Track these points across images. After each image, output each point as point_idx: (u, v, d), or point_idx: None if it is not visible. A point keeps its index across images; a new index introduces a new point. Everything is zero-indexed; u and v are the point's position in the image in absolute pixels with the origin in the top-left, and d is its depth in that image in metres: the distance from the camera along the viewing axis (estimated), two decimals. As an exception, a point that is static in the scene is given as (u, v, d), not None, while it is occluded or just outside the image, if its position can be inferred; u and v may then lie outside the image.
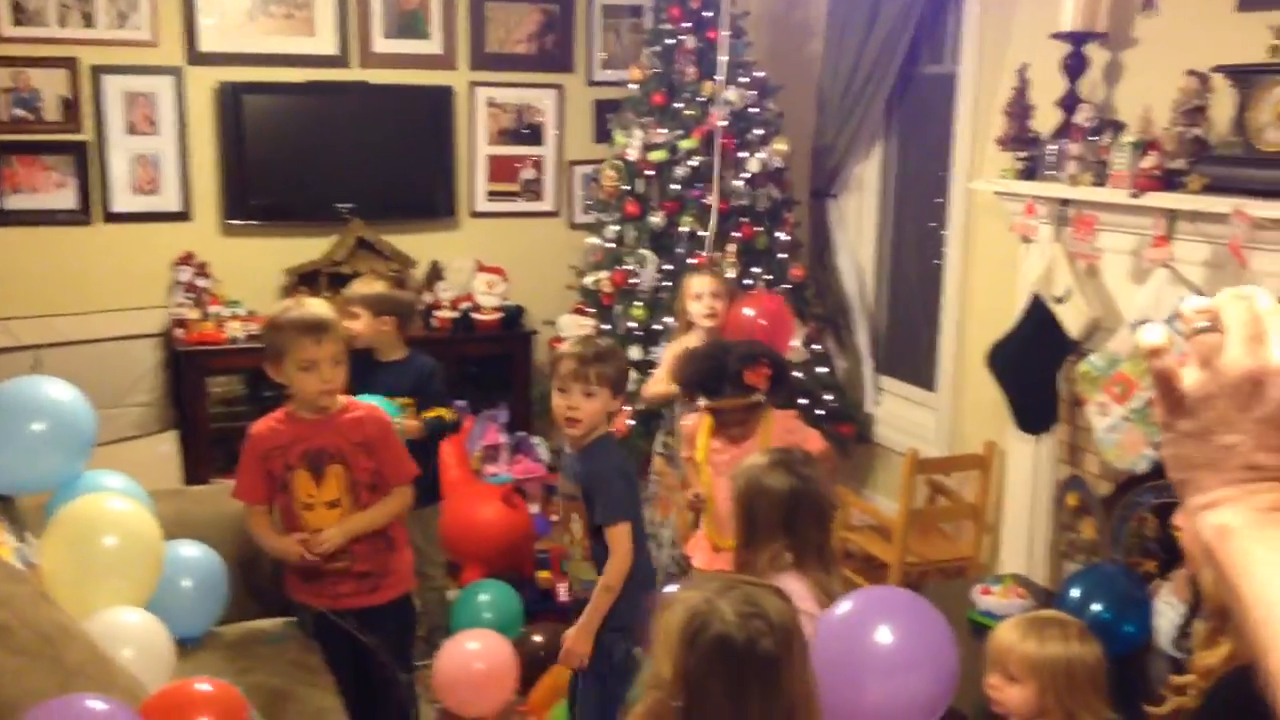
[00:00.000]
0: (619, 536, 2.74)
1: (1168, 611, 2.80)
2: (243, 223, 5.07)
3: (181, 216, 5.03)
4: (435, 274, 5.31)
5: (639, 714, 1.65)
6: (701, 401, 3.23)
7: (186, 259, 4.96)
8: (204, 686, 2.08)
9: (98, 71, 4.81)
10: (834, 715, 1.63)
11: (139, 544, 2.70)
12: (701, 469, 3.19)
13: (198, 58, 4.96)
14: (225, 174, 5.04)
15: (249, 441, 2.83)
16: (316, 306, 2.85)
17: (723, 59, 4.57)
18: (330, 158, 5.14)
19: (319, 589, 2.86)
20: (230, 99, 4.97)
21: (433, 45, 5.31)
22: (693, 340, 3.95)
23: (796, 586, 2.32)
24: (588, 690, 2.82)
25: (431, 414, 3.54)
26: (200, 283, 4.95)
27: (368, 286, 3.78)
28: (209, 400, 4.89)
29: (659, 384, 3.89)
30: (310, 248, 5.11)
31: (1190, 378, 0.82)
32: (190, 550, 2.90)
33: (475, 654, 3.32)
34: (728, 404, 3.15)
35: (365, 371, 3.61)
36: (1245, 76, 2.89)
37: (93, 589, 2.56)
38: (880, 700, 1.73)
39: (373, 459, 2.83)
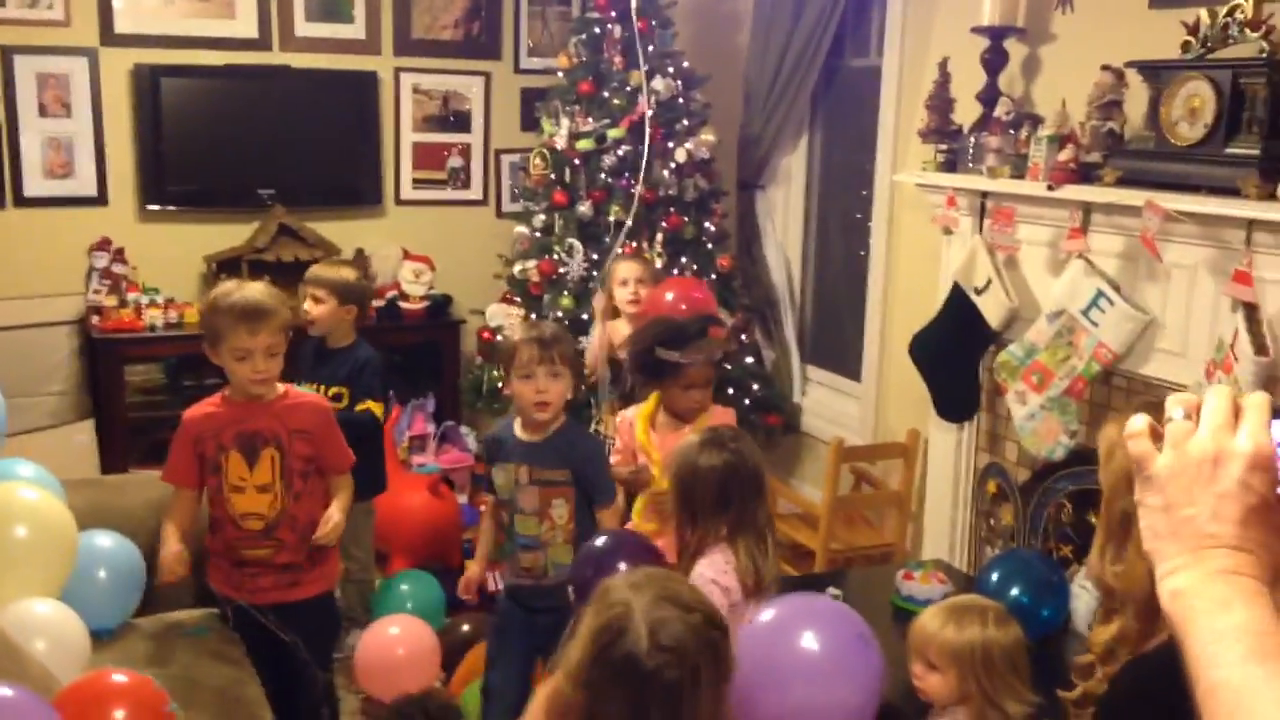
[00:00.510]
0: (615, 514, 2.84)
1: (1084, 595, 2.87)
2: (161, 208, 4.96)
3: (97, 201, 4.90)
4: (361, 262, 5.25)
5: (544, 694, 1.68)
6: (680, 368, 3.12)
7: (103, 245, 4.84)
8: (119, 678, 2.04)
9: (8, 52, 4.67)
10: None
11: (50, 534, 2.64)
12: (651, 452, 3.16)
13: (113, 39, 4.83)
14: (143, 158, 4.92)
15: (182, 425, 2.80)
16: (257, 292, 2.79)
17: (648, 48, 4.56)
18: (252, 143, 5.05)
19: (238, 581, 2.81)
20: (147, 82, 4.86)
21: (356, 30, 5.24)
22: (620, 323, 3.96)
23: (719, 558, 2.37)
24: None
25: (361, 407, 3.50)
26: (117, 269, 4.84)
27: (335, 271, 3.74)
28: (127, 389, 4.79)
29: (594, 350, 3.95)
30: (231, 234, 5.02)
31: (1162, 459, 0.93)
32: (105, 540, 2.84)
33: (396, 639, 3.30)
34: (702, 356, 3.11)
35: (315, 357, 3.57)
36: (1157, 72, 2.96)
37: (3, 580, 2.50)
38: (804, 706, 1.74)
39: (311, 446, 2.81)
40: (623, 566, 2.19)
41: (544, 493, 2.88)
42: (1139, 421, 0.96)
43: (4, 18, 4.66)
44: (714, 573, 2.35)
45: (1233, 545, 0.88)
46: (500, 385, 4.41)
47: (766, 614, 1.91)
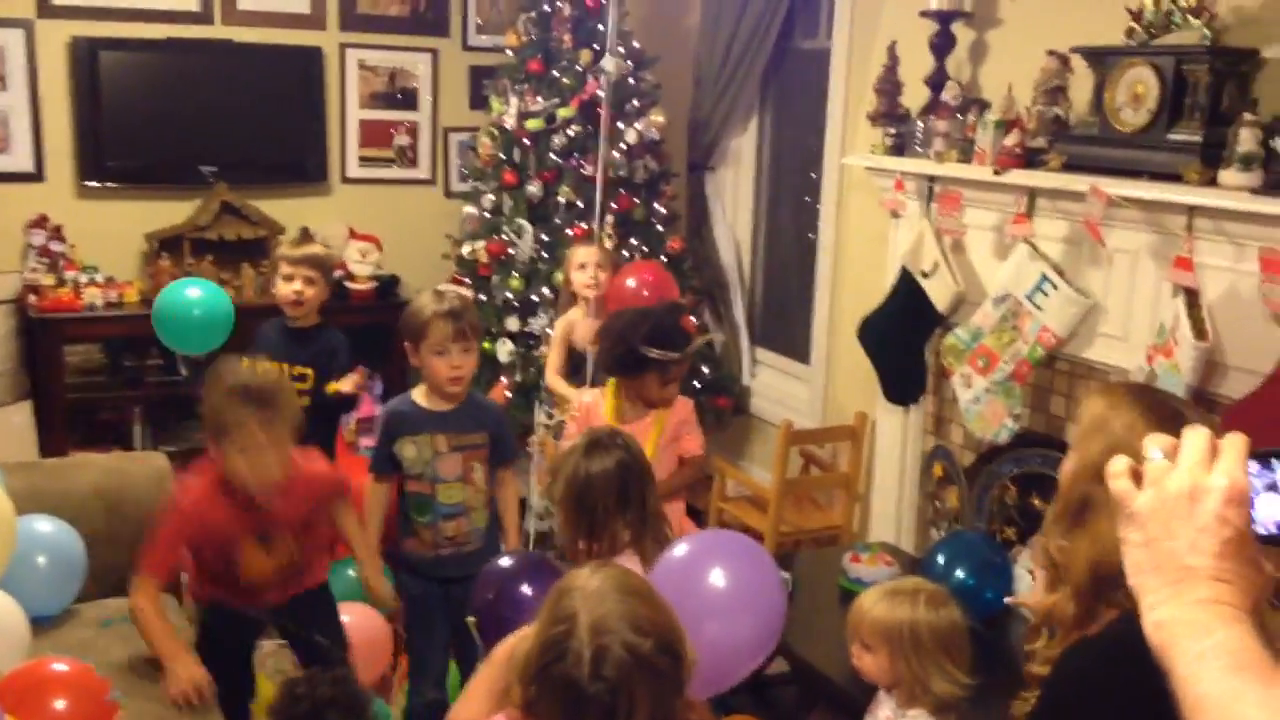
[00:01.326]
0: (515, 474, 2.97)
1: (1026, 577, 2.91)
2: (100, 184, 4.87)
3: (34, 177, 4.79)
4: (306, 240, 5.18)
5: (487, 671, 1.68)
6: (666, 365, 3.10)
7: (39, 222, 4.74)
8: (60, 666, 2.01)
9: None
10: None
11: (-12, 520, 2.58)
12: None
13: (49, 10, 4.72)
14: (81, 133, 4.82)
15: (177, 521, 2.62)
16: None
17: (610, 28, 4.48)
18: (193, 118, 4.95)
19: (234, 596, 2.76)
20: (85, 55, 4.75)
21: (300, 4, 5.16)
22: (578, 314, 3.94)
23: (634, 566, 2.33)
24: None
25: (332, 388, 3.48)
26: (55, 247, 4.74)
27: (319, 250, 3.72)
28: (66, 370, 4.69)
29: (555, 371, 3.91)
30: (173, 211, 4.93)
31: (1142, 497, 0.98)
32: (45, 525, 2.78)
33: (349, 628, 3.27)
34: (686, 357, 3.12)
35: (282, 337, 3.52)
36: (1102, 58, 2.99)
37: (-62, 568, 2.44)
38: (713, 639, 1.78)
39: (326, 516, 2.83)
40: (526, 590, 2.15)
41: (466, 458, 2.97)
42: (1120, 463, 1.01)
43: (-68, -13, 4.53)
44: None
45: (1212, 576, 0.93)
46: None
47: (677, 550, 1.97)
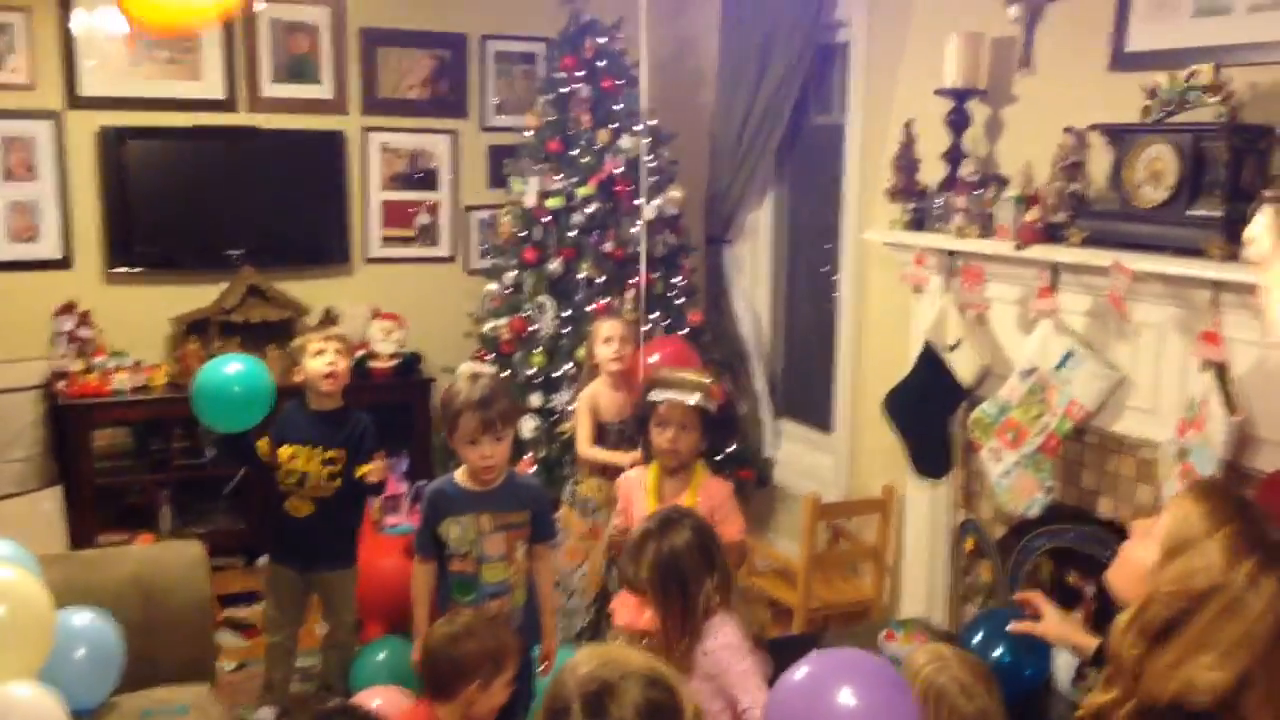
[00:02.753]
0: (554, 552, 3.07)
1: (1065, 655, 2.89)
2: (128, 270, 4.93)
3: (62, 264, 4.86)
4: (329, 321, 5.23)
5: None
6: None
7: (68, 308, 4.79)
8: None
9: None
10: None
11: (27, 613, 2.58)
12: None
13: (78, 101, 4.82)
14: (109, 221, 4.90)
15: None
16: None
17: (640, 106, 4.48)
18: (219, 203, 5.03)
19: None
20: (113, 144, 4.84)
21: (324, 90, 5.26)
22: (601, 387, 3.96)
23: (728, 628, 2.46)
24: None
25: (363, 470, 3.49)
26: (83, 333, 4.79)
27: (335, 328, 3.79)
28: (94, 455, 4.72)
29: (588, 443, 3.93)
30: (199, 295, 4.99)
31: None
32: (83, 618, 2.79)
33: (379, 711, 3.25)
34: (673, 394, 3.22)
35: (308, 419, 3.53)
36: (1119, 135, 3.03)
37: (-20, 664, 2.45)
38: None
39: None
40: None
41: (509, 536, 3.00)
42: None
43: (-31, 82, 4.63)
44: (736, 639, 2.44)
45: None
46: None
47: (800, 671, 1.85)
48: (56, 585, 2.74)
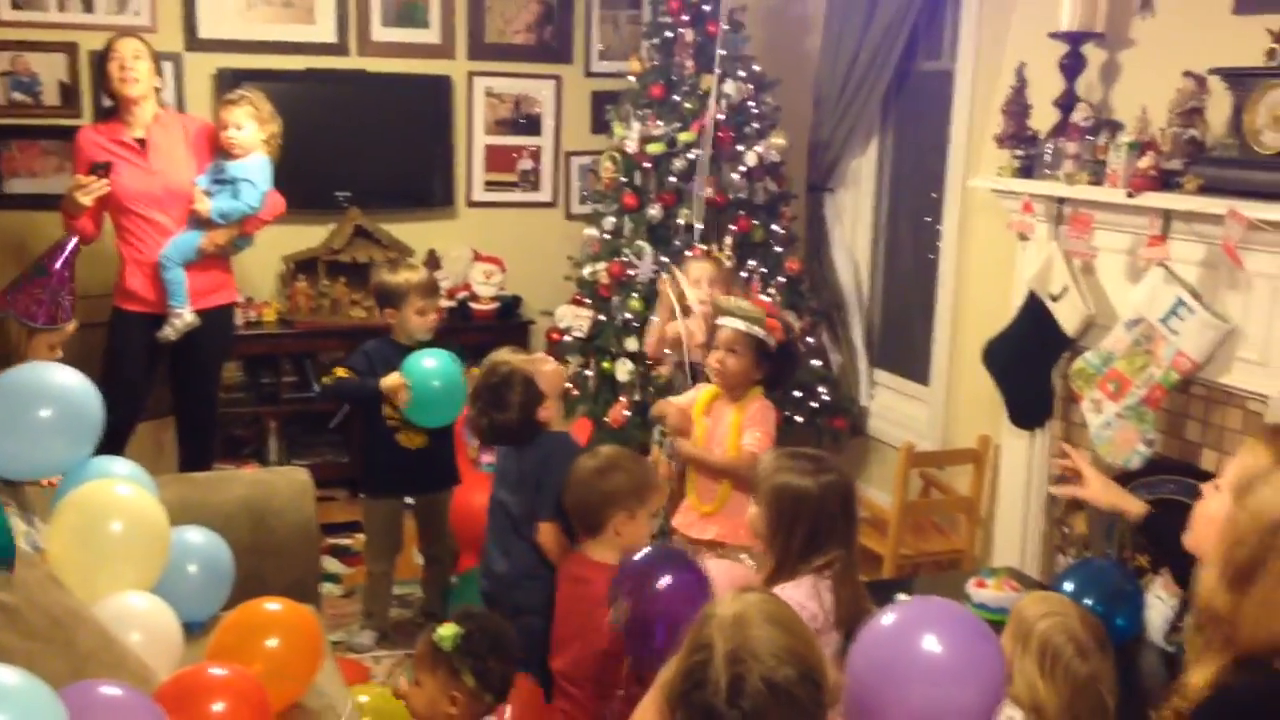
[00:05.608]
0: None
1: (1159, 605, 2.84)
2: (241, 210, 5.07)
3: (179, 203, 5.01)
4: (433, 263, 5.33)
5: (654, 698, 1.71)
6: None
7: (185, 246, 4.95)
8: (219, 671, 2.10)
9: (97, 56, 4.80)
10: None
11: (145, 529, 2.71)
12: (699, 424, 3.33)
13: (197, 44, 4.96)
14: (224, 161, 5.03)
15: None
16: None
17: (720, 52, 4.56)
18: (329, 146, 5.15)
19: None
20: (229, 86, 4.94)
21: (431, 35, 5.33)
22: (692, 326, 3.95)
23: (806, 585, 2.39)
24: None
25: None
26: (198, 270, 4.94)
27: (432, 279, 3.97)
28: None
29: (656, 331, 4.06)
30: (309, 235, 5.13)
31: None
32: (196, 536, 2.91)
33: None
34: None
35: (391, 354, 3.68)
36: (1241, 79, 2.93)
37: (100, 574, 2.58)
38: (924, 709, 1.70)
39: None
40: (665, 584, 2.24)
41: None
42: None
43: (93, 23, 4.80)
44: (802, 596, 2.34)
45: None
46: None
47: (886, 617, 1.82)
48: (171, 505, 2.87)
